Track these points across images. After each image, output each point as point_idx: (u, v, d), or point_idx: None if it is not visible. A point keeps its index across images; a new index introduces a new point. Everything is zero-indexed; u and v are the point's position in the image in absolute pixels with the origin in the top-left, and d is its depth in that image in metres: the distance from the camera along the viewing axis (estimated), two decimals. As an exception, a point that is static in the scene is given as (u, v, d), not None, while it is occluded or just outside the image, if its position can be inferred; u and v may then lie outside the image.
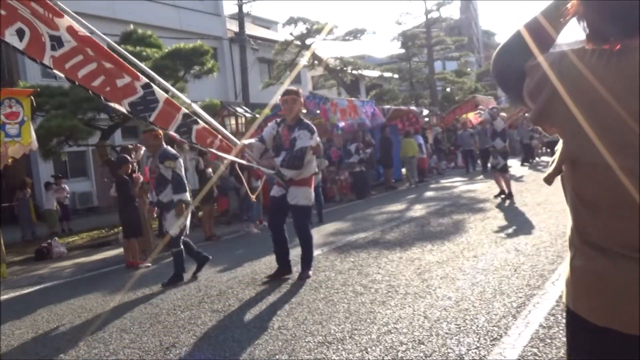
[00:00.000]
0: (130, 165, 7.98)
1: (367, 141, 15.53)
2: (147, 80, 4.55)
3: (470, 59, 44.32)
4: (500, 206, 9.39)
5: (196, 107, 5.66)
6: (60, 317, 5.17)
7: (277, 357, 3.46)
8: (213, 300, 5.10)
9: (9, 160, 7.57)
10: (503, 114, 18.96)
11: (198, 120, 5.05)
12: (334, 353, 3.42)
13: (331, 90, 27.59)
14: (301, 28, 22.89)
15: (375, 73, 30.39)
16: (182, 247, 6.10)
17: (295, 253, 5.79)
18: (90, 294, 6.01)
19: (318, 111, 13.75)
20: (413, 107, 21.96)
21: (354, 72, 25.72)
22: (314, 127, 5.48)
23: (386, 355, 3.30)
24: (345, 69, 25.14)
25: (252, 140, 5.62)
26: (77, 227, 13.47)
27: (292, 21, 22.67)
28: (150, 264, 7.50)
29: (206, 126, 5.16)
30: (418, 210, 9.83)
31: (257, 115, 14.39)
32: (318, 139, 5.55)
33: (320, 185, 10.34)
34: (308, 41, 23.10)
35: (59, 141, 11.54)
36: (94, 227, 12.97)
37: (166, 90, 5.30)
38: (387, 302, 4.40)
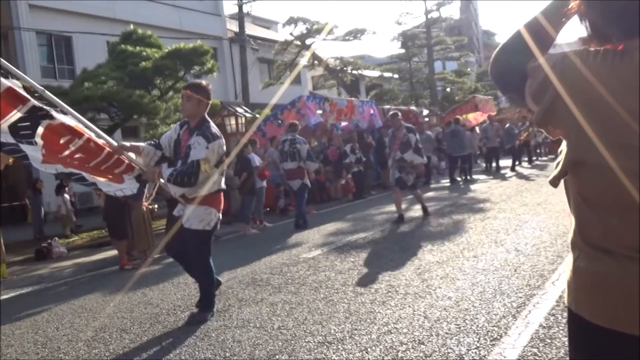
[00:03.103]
0: None
1: (369, 142, 15.52)
2: None
3: (470, 59, 44.28)
4: (500, 206, 9.39)
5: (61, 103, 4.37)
6: (60, 317, 5.17)
7: (277, 357, 3.46)
8: (213, 300, 5.09)
9: (9, 160, 7.56)
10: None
11: (54, 115, 4.03)
12: (334, 353, 3.42)
13: (331, 90, 27.61)
14: (301, 28, 22.94)
15: (375, 73, 30.40)
16: None
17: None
18: (90, 294, 6.01)
19: (320, 111, 13.77)
20: (413, 107, 21.96)
21: (354, 72, 25.74)
22: (217, 133, 4.40)
23: (386, 355, 3.30)
24: (345, 69, 25.15)
25: (142, 144, 4.64)
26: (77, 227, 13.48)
27: (292, 21, 22.69)
28: (133, 265, 7.48)
29: (66, 123, 4.12)
30: (418, 210, 9.80)
31: (257, 116, 14.40)
32: (223, 148, 4.45)
33: (305, 188, 9.78)
34: (308, 41, 23.10)
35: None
36: (94, 227, 12.95)
37: (59, 111, 4.19)
38: (387, 302, 4.40)
